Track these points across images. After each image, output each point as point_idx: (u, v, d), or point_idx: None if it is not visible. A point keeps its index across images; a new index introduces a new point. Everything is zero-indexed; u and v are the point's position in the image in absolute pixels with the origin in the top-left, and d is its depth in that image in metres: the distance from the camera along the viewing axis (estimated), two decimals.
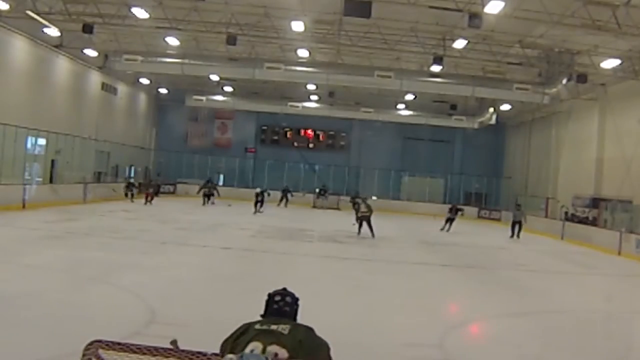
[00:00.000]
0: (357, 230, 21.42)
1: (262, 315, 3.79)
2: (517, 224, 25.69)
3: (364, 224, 21.06)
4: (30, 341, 6.63)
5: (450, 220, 26.22)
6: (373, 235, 20.75)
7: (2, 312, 7.81)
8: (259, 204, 28.83)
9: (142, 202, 30.07)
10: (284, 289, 3.95)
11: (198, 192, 33.53)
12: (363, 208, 21.58)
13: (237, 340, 3.49)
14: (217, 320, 7.87)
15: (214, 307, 8.91)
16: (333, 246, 18.32)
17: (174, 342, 3.62)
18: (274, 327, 3.53)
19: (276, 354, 3.24)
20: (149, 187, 30.68)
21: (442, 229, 26.01)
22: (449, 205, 28.90)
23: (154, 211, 26.84)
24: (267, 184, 39.99)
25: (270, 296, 3.86)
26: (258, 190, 30.59)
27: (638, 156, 25.43)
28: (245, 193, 37.79)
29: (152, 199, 29.73)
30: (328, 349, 3.58)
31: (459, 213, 26.98)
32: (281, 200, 36.73)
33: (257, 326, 3.54)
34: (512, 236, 25.47)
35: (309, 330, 3.64)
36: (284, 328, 3.52)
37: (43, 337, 6.80)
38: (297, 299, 3.89)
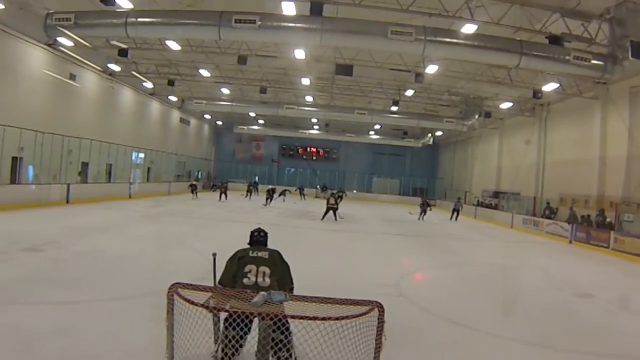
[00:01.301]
0: (333, 216, 18.57)
1: (249, 244, 4.30)
2: (456, 211, 24.58)
3: (330, 212, 18.57)
4: (135, 282, 6.77)
5: (423, 211, 23.69)
6: (336, 219, 18.41)
7: (118, 265, 7.95)
8: (269, 199, 25.72)
9: (195, 196, 27.99)
10: (259, 227, 4.50)
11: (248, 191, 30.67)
12: (332, 201, 19.07)
13: (239, 260, 4.04)
14: None
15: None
16: (328, 223, 18.30)
17: (214, 254, 4.33)
18: (260, 254, 4.07)
19: (264, 272, 3.90)
20: (222, 187, 28.41)
21: (418, 219, 23.02)
22: (421, 201, 26.29)
23: (214, 200, 26.74)
24: (286, 183, 40.16)
25: (252, 232, 4.41)
26: (270, 187, 28.06)
27: (524, 165, 25.57)
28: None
29: (226, 196, 27.45)
30: (289, 268, 4.20)
31: (429, 207, 24.51)
32: (301, 194, 35.38)
33: (250, 253, 4.07)
34: (451, 219, 24.27)
35: (279, 253, 4.18)
36: (264, 254, 4.08)
37: (143, 280, 6.93)
38: (266, 233, 4.43)
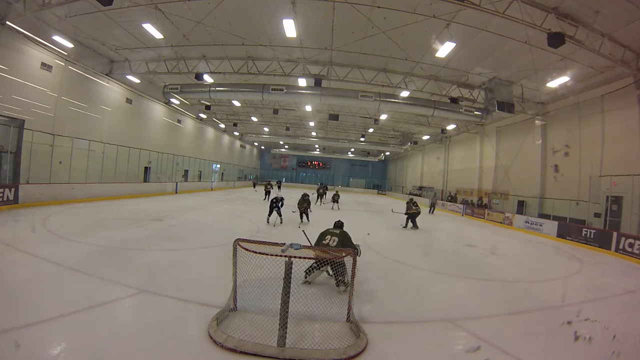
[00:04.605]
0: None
1: (334, 226, 4.67)
2: (432, 206, 17.05)
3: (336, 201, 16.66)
4: (214, 238, 6.70)
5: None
6: (338, 207, 16.30)
7: (204, 228, 7.86)
8: (273, 198, 16.89)
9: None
10: (339, 220, 4.81)
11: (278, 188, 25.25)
12: (335, 195, 17.01)
13: (321, 236, 4.38)
14: (283, 232, 7.94)
15: (283, 226, 8.90)
16: (328, 205, 18.19)
17: (304, 231, 5.10)
18: (334, 230, 4.40)
19: (334, 240, 4.20)
20: (269, 185, 26.08)
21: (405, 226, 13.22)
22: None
23: (260, 192, 26.35)
24: (300, 182, 39.66)
25: (335, 221, 4.77)
26: (273, 184, 21.85)
27: (436, 171, 25.01)
28: (291, 186, 37.58)
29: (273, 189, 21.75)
30: (354, 246, 4.19)
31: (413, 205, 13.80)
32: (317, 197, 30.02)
33: (330, 230, 4.44)
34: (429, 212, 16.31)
35: (347, 234, 4.41)
36: (336, 232, 4.35)
37: (219, 236, 6.86)
38: (342, 223, 4.75)
